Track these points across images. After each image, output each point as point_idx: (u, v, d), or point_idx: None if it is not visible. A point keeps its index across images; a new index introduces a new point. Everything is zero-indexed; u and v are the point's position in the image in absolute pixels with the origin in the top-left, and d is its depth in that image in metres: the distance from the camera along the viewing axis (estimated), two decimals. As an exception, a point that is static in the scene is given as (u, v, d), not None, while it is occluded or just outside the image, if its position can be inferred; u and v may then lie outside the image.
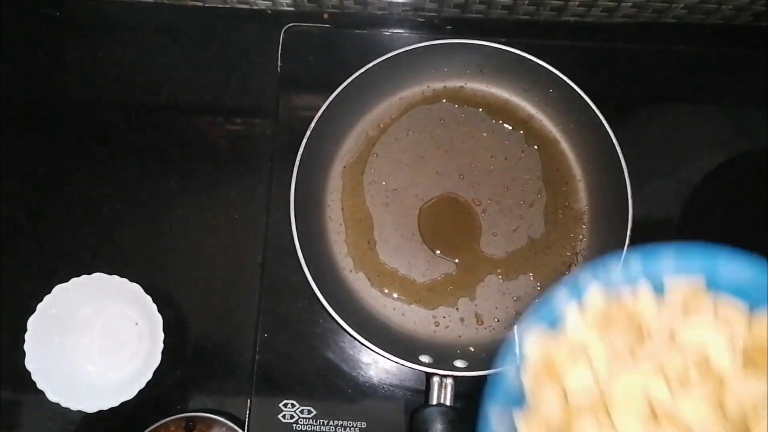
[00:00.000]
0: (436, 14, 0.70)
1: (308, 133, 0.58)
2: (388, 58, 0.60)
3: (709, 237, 0.40)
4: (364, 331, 0.55)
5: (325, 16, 0.70)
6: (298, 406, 0.60)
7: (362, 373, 0.62)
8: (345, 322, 0.55)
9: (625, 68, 0.70)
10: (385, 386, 0.62)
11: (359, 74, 0.60)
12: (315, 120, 0.59)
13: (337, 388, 0.61)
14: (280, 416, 0.60)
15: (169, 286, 0.64)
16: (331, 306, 0.55)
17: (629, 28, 0.70)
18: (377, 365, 0.62)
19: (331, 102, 0.59)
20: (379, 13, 0.70)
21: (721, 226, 0.67)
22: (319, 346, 0.62)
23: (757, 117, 0.70)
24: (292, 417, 0.60)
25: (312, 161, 0.60)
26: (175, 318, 0.62)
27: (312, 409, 0.60)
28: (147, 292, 0.58)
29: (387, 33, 0.69)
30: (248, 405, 0.60)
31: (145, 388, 0.57)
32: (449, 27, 0.70)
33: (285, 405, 0.60)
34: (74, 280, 0.59)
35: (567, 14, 0.69)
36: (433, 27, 0.70)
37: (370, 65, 0.59)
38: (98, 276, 0.59)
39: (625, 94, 0.69)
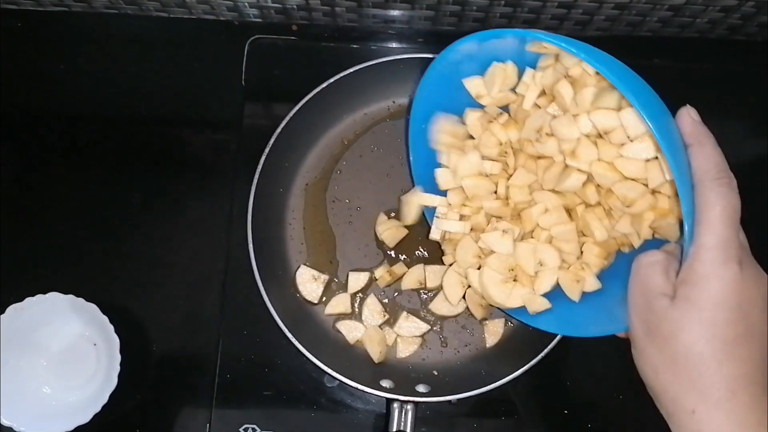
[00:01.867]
0: (407, 26, 0.69)
1: (267, 149, 0.57)
2: (351, 72, 0.59)
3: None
4: (323, 355, 0.54)
5: (294, 27, 0.69)
6: (259, 430, 0.59)
7: (326, 396, 0.60)
8: (303, 346, 0.54)
9: (599, 82, 0.68)
10: (349, 410, 0.60)
11: (321, 89, 0.58)
12: (275, 136, 0.57)
13: (300, 412, 0.60)
14: (240, 441, 0.58)
15: (130, 306, 0.62)
16: (289, 330, 0.54)
17: (603, 41, 0.67)
18: (341, 388, 0.60)
19: (291, 117, 0.58)
20: (349, 25, 0.69)
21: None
22: (282, 368, 0.60)
23: (737, 130, 0.69)
24: (252, 442, 0.59)
25: (272, 178, 0.59)
26: (135, 339, 0.60)
27: (273, 434, 0.59)
28: (107, 311, 0.57)
29: (355, 46, 0.67)
30: (207, 429, 0.59)
31: (103, 411, 0.56)
32: (420, 39, 0.69)
33: (245, 429, 0.59)
34: (29, 299, 0.57)
35: (539, 27, 0.67)
36: (404, 39, 0.69)
37: (333, 80, 0.58)
38: (54, 295, 0.58)
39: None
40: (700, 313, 0.32)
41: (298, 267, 0.60)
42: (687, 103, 0.41)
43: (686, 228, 0.35)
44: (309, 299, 0.60)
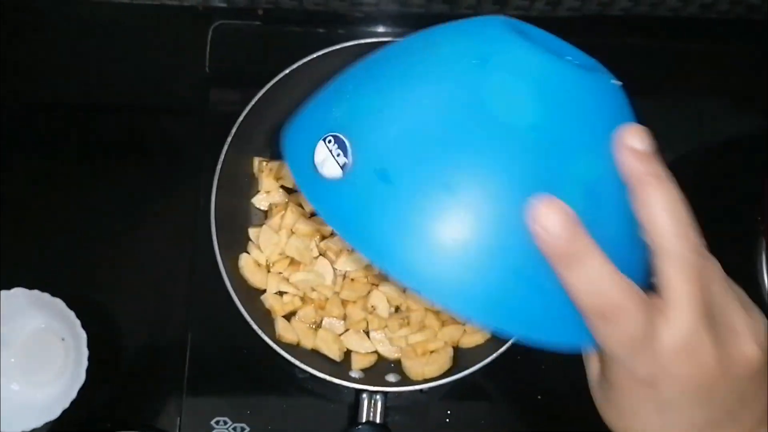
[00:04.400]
0: (375, 8, 0.67)
1: (230, 137, 0.55)
2: (317, 56, 0.57)
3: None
4: (291, 347, 0.53)
5: (260, 12, 0.67)
6: (230, 423, 0.58)
7: (297, 387, 0.60)
8: (271, 339, 0.53)
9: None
10: (321, 400, 0.59)
11: (285, 74, 0.56)
12: (237, 123, 0.56)
13: (272, 405, 0.59)
14: (211, 434, 0.58)
15: (98, 300, 0.61)
16: (256, 323, 0.53)
17: (574, 21, 0.67)
18: (313, 380, 0.59)
19: (255, 103, 0.56)
20: (316, 8, 0.67)
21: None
22: (252, 361, 0.60)
23: (711, 110, 0.68)
24: (224, 435, 0.58)
25: (237, 166, 0.57)
26: (104, 333, 0.60)
27: (245, 426, 0.58)
28: (74, 306, 0.56)
29: (322, 30, 0.66)
30: (178, 423, 0.58)
31: (72, 407, 0.55)
32: (389, 22, 0.68)
33: (217, 422, 0.58)
34: (-8, 296, 0.56)
35: (510, 8, 0.66)
36: (372, 23, 0.67)
37: (297, 64, 0.56)
38: (18, 291, 0.57)
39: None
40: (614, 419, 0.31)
41: (266, 257, 0.59)
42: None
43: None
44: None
